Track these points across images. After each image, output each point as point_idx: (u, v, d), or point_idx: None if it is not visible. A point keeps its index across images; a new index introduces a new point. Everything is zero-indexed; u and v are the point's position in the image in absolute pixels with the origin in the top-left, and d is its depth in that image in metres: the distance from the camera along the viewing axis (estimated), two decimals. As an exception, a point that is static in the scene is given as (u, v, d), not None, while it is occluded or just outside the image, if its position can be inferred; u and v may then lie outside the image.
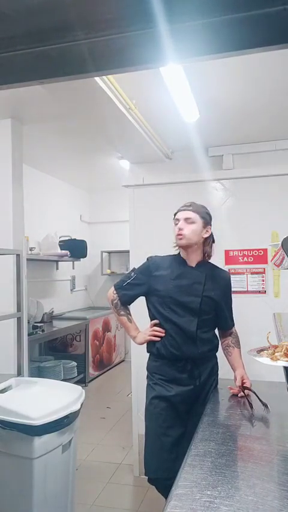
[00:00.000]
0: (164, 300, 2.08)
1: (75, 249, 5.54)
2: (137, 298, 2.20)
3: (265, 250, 3.00)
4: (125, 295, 2.18)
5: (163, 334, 2.05)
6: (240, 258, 3.05)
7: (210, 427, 1.59)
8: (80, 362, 5.19)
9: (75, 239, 5.64)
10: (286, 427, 1.61)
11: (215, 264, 2.22)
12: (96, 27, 0.82)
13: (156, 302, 2.11)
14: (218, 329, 2.21)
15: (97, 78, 2.08)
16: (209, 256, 2.17)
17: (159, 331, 2.06)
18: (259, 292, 2.99)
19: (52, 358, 4.95)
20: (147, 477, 2.06)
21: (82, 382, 5.09)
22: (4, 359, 2.95)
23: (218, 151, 3.25)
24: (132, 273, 2.19)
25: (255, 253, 3.02)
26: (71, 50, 0.86)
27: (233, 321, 2.25)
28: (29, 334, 3.40)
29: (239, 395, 1.94)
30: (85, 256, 5.83)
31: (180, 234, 2.06)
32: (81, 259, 5.86)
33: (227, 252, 3.06)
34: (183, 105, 2.51)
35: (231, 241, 3.06)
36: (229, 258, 3.06)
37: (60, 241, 5.36)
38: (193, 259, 2.12)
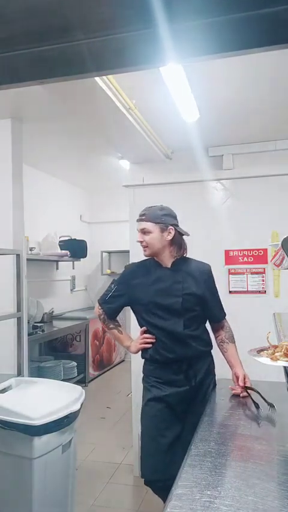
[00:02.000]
0: (147, 307, 2.07)
1: (75, 249, 5.54)
2: (121, 309, 2.21)
3: (265, 250, 3.00)
4: (110, 308, 2.19)
5: (154, 340, 2.05)
6: (240, 258, 3.05)
7: (210, 427, 1.59)
8: (80, 362, 5.19)
9: (75, 239, 5.64)
10: (286, 427, 1.61)
11: (194, 258, 2.19)
12: (96, 27, 0.82)
13: (141, 310, 2.11)
14: (210, 323, 2.20)
15: (97, 78, 2.09)
16: (185, 252, 2.14)
17: (149, 338, 2.06)
18: (259, 292, 2.99)
19: (52, 358, 4.95)
20: (143, 479, 2.05)
21: (82, 382, 5.09)
22: (4, 359, 2.95)
23: (218, 151, 3.25)
24: (113, 285, 2.19)
25: (255, 253, 3.02)
26: (70, 50, 0.86)
27: (223, 312, 2.21)
28: (29, 334, 3.40)
29: (241, 395, 1.93)
30: (85, 256, 5.83)
31: (142, 246, 2.07)
32: (81, 259, 5.86)
33: (227, 252, 3.06)
34: (183, 105, 2.51)
35: (231, 241, 3.06)
36: (229, 258, 3.06)
37: (60, 241, 5.35)
38: (166, 261, 2.10)
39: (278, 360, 1.53)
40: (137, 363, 3.06)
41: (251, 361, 1.73)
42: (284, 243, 1.74)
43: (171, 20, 0.76)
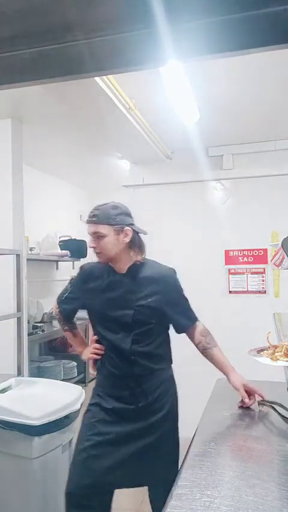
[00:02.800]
0: (97, 316, 1.88)
1: (75, 249, 5.53)
2: (76, 312, 2.03)
3: (265, 250, 3.00)
4: (65, 309, 2.02)
5: (102, 352, 1.85)
6: (240, 258, 3.05)
7: (210, 427, 1.59)
8: (80, 362, 5.19)
9: (75, 239, 5.63)
10: (286, 427, 1.61)
11: (157, 262, 1.93)
12: (96, 27, 0.82)
13: (92, 318, 1.92)
14: (180, 332, 1.94)
15: (97, 78, 2.09)
16: (143, 254, 1.88)
17: (99, 349, 1.86)
18: (259, 292, 2.99)
19: (52, 358, 4.95)
20: None
21: (82, 382, 5.09)
22: (4, 359, 2.96)
23: (218, 151, 3.25)
24: (69, 285, 2.01)
25: (255, 253, 3.02)
26: (71, 50, 0.86)
27: (190, 319, 1.91)
28: (29, 334, 3.40)
29: (256, 407, 1.71)
30: (85, 256, 5.82)
31: (96, 252, 1.83)
32: (81, 259, 5.86)
33: (227, 252, 3.06)
34: (183, 105, 2.51)
35: (231, 241, 3.06)
36: (229, 258, 3.06)
37: (60, 241, 5.36)
38: (121, 266, 1.83)
39: (278, 360, 1.53)
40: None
41: (251, 361, 1.73)
42: (284, 243, 1.74)
43: (171, 20, 0.76)
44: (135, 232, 1.83)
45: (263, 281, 3.00)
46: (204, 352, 1.89)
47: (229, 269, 3.04)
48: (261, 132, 3.07)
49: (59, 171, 5.39)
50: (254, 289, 3.01)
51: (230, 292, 3.03)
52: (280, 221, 2.94)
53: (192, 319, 1.92)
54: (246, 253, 3.04)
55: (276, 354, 1.57)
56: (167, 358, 1.91)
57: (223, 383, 2.11)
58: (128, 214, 1.85)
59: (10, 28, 0.84)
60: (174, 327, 1.92)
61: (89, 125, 3.18)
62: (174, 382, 1.94)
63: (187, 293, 2.85)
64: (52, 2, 0.80)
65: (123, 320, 1.79)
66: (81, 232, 6.32)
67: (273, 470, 1.25)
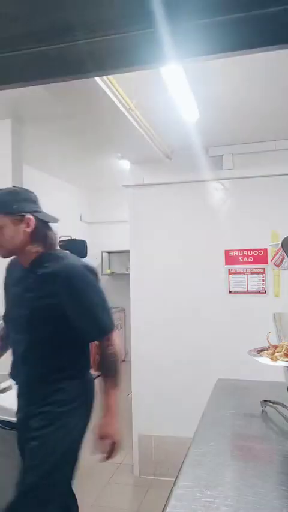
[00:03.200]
0: (5, 315, 1.72)
1: (75, 249, 5.53)
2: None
3: (265, 250, 3.00)
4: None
5: None
6: (240, 258, 3.05)
7: (210, 427, 1.59)
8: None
9: (75, 239, 5.64)
10: (286, 427, 1.61)
11: (68, 255, 1.70)
12: (96, 27, 0.82)
13: None
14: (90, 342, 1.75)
15: (97, 78, 2.09)
16: (52, 245, 1.66)
17: None
18: (259, 292, 2.99)
19: (52, 358, 4.95)
20: None
21: (82, 382, 5.09)
22: (4, 359, 2.96)
23: (218, 151, 3.26)
24: None
25: (255, 253, 3.02)
26: (71, 50, 0.86)
27: (100, 330, 1.65)
28: (29, 334, 3.39)
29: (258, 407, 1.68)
30: (85, 256, 5.82)
31: None
32: (81, 259, 5.85)
33: (227, 252, 3.06)
34: (183, 105, 2.52)
35: (231, 241, 3.06)
36: (229, 258, 3.06)
37: (60, 241, 5.35)
38: (25, 259, 1.61)
39: (278, 360, 1.53)
40: (137, 363, 3.06)
41: (251, 361, 1.73)
42: (284, 243, 1.74)
43: (171, 20, 0.76)
44: (41, 221, 1.59)
45: (263, 281, 3.00)
46: (100, 373, 1.70)
47: (229, 269, 3.04)
48: (261, 132, 3.07)
49: (59, 171, 5.39)
50: (254, 289, 3.01)
51: (230, 292, 3.03)
52: (280, 221, 2.94)
53: (104, 330, 1.65)
54: (246, 253, 3.04)
55: (276, 354, 1.57)
56: (68, 370, 1.67)
57: (223, 383, 2.11)
58: (31, 200, 1.62)
59: (10, 28, 0.85)
60: (82, 334, 1.66)
61: (89, 125, 3.18)
62: (71, 400, 1.67)
63: (187, 293, 2.85)
64: (52, 2, 0.80)
65: (20, 320, 1.60)
66: (81, 232, 6.34)
67: (273, 470, 1.25)
